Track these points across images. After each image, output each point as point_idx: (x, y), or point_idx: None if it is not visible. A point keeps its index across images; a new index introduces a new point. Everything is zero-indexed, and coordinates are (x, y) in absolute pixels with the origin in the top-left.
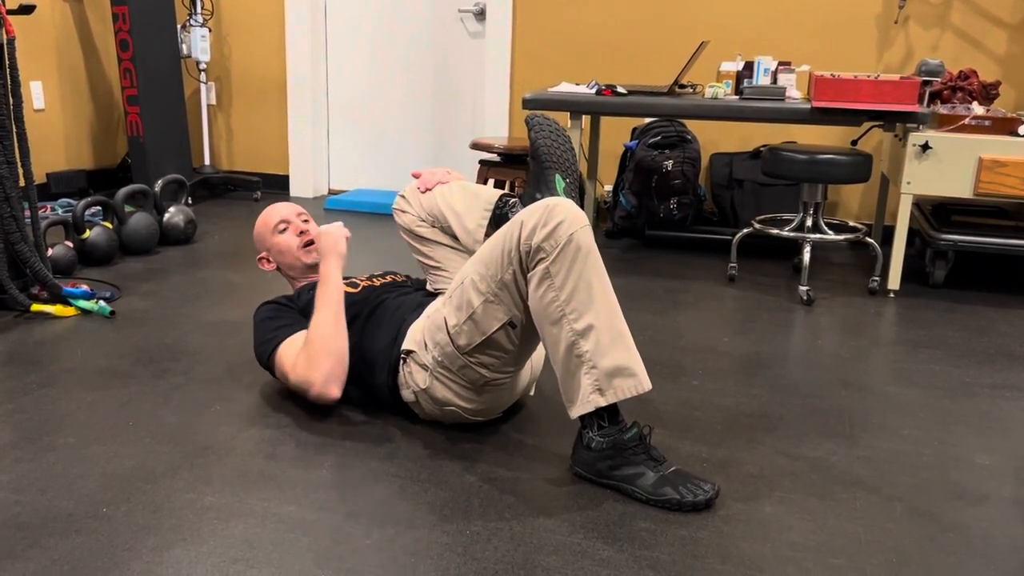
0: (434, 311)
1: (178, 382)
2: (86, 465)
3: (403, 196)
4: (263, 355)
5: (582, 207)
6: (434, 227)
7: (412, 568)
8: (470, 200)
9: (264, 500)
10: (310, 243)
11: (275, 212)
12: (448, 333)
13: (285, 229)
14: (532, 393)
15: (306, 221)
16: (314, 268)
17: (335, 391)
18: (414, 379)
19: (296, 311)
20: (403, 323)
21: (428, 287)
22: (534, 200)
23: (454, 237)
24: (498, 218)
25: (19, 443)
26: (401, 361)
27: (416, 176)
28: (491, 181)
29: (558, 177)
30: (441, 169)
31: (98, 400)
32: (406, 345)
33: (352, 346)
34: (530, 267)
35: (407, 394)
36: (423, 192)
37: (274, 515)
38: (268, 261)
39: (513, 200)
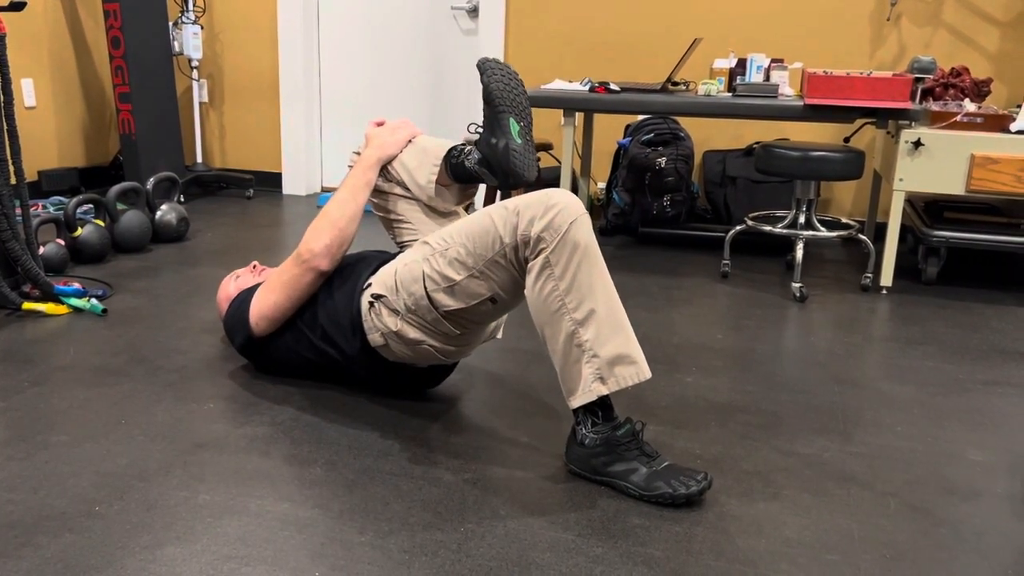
0: (411, 260)
1: (171, 380)
2: (79, 463)
3: (357, 153)
4: (237, 319)
5: (537, 159)
6: (389, 180)
7: (407, 565)
8: (420, 156)
9: (258, 498)
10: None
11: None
12: (426, 289)
13: (239, 277)
14: (499, 336)
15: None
16: None
17: (325, 264)
18: (383, 321)
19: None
20: (363, 269)
21: (394, 240)
22: (490, 145)
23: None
24: (454, 167)
25: (11, 441)
26: (369, 306)
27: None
28: None
29: (512, 120)
30: (406, 127)
31: (91, 398)
32: (375, 289)
33: (313, 298)
34: (530, 257)
35: (375, 337)
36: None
37: (268, 513)
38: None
39: (469, 148)
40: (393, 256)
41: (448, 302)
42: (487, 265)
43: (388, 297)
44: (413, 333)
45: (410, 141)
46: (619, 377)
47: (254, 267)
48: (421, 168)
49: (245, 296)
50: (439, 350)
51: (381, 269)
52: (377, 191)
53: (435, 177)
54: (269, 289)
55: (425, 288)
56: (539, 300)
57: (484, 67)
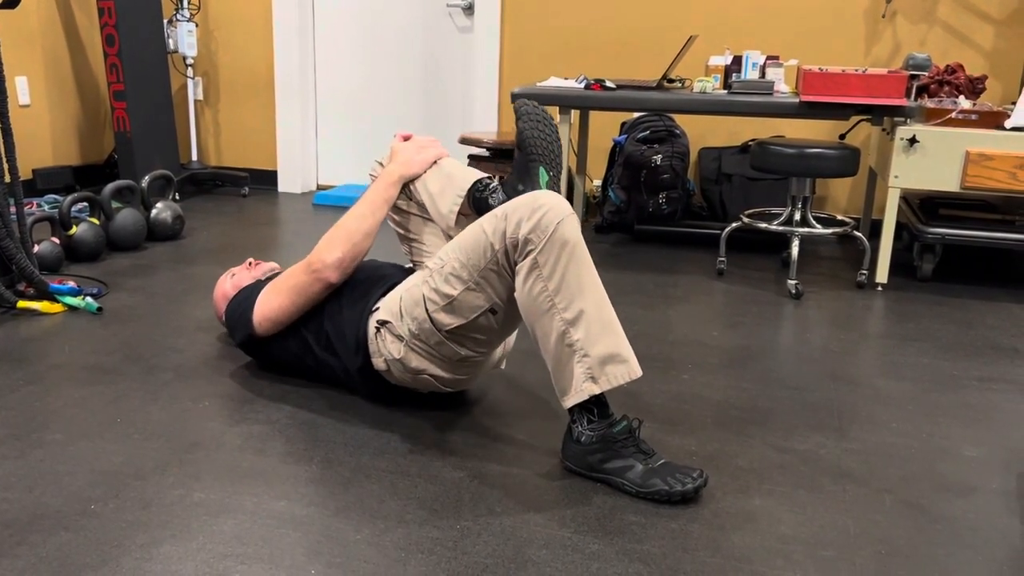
0: (413, 285)
1: (166, 378)
2: (74, 462)
3: (380, 163)
4: (240, 317)
5: (568, 201)
6: (410, 200)
7: (402, 563)
8: (444, 182)
9: (254, 496)
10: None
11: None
12: (427, 311)
13: (235, 275)
14: (503, 367)
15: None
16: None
17: (335, 277)
18: (387, 348)
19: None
20: (375, 289)
21: (407, 257)
22: (516, 191)
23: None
24: (477, 201)
25: (6, 440)
26: (375, 330)
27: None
28: None
29: (542, 170)
30: (433, 146)
31: (86, 397)
32: (381, 315)
33: (321, 307)
34: (518, 259)
35: (379, 362)
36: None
37: (264, 511)
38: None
39: (494, 184)
40: (405, 273)
41: (449, 320)
42: (482, 275)
43: (393, 323)
44: (416, 361)
45: (435, 162)
46: (610, 376)
47: (249, 264)
48: (444, 195)
49: (247, 294)
50: (441, 379)
51: (389, 294)
52: (396, 208)
53: (458, 208)
54: (275, 291)
55: (426, 309)
56: (529, 300)
57: (520, 111)
